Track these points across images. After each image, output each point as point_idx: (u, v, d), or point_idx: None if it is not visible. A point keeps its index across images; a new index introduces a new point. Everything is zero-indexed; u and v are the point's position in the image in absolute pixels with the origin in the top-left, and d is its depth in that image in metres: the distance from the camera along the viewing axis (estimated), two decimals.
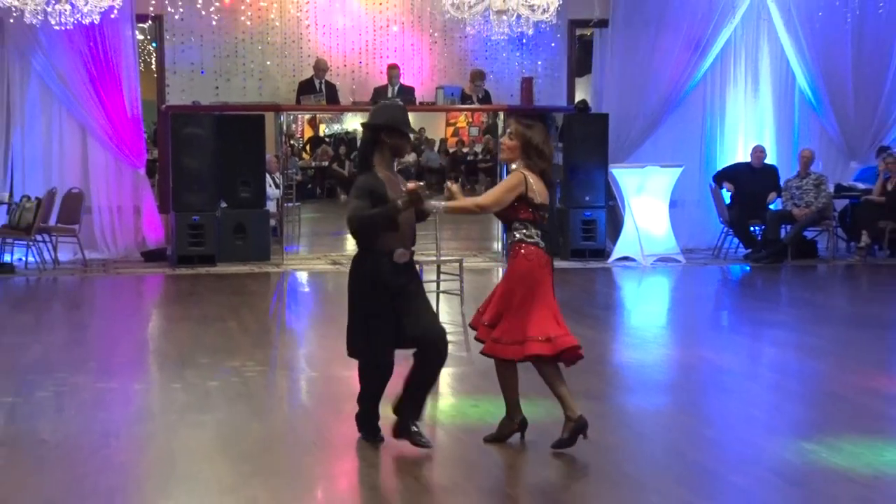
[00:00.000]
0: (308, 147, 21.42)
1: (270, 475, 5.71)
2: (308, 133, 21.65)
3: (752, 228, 14.64)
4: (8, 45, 14.05)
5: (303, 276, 13.28)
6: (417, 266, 7.06)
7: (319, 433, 6.62)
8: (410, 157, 19.05)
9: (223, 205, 13.97)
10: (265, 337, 9.91)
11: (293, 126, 17.90)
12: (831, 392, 7.65)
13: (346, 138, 20.15)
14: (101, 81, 14.13)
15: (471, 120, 20.93)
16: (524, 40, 14.78)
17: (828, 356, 8.80)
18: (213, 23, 14.59)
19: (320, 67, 14.71)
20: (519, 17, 12.66)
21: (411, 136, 6.03)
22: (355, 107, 15.51)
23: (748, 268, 14.04)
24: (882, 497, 5.36)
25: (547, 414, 6.46)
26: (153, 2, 14.24)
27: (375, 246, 5.86)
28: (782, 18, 15.40)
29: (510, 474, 5.72)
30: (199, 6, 14.37)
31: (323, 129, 20.47)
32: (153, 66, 15.76)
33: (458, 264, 10.58)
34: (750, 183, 14.61)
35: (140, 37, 15.86)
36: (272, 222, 14.44)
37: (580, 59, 16.14)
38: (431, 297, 10.44)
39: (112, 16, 12.35)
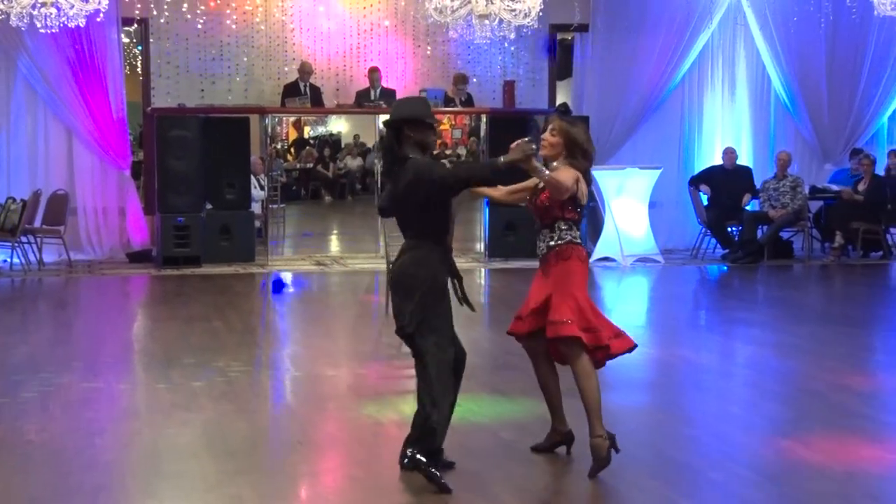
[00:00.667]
0: (292, 149, 21.36)
1: (255, 473, 5.69)
2: (293, 135, 21.58)
3: (729, 229, 14.70)
4: None
5: (287, 277, 13.24)
6: None
7: (303, 431, 6.60)
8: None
9: (208, 206, 13.93)
10: (250, 337, 9.88)
11: (278, 128, 17.85)
12: (807, 389, 7.68)
13: (330, 140, 20.10)
14: (86, 84, 14.07)
15: (454, 122, 20.91)
16: (506, 44, 14.79)
17: (803, 354, 8.83)
18: (199, 26, 14.56)
19: (305, 70, 14.69)
20: (501, 21, 12.67)
21: (435, 125, 5.70)
22: (339, 109, 15.53)
23: (726, 268, 14.08)
24: (857, 492, 5.38)
25: (526, 412, 6.47)
26: (138, 5, 14.20)
27: (437, 241, 5.66)
28: (758, 24, 15.47)
29: (492, 472, 5.71)
30: (184, 10, 14.34)
31: (307, 132, 20.41)
32: (139, 69, 15.72)
33: None
34: (725, 184, 14.68)
35: (125, 40, 15.81)
36: (257, 223, 14.40)
37: (561, 62, 16.17)
38: None
39: (98, 19, 12.29)
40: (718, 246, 14.72)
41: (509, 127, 14.58)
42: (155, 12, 14.28)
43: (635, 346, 5.78)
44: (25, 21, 11.72)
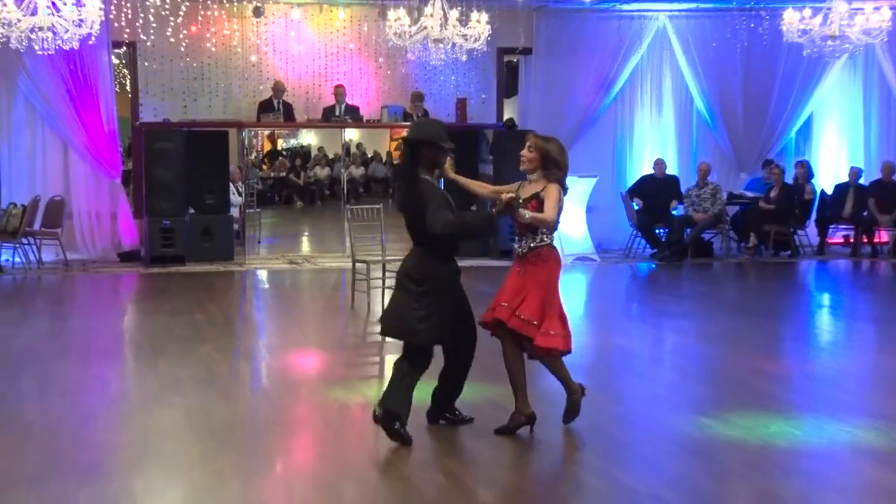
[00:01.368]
0: (267, 159, 21.22)
1: (234, 452, 5.66)
2: (267, 147, 21.44)
3: (657, 231, 14.81)
4: None
5: (263, 275, 13.18)
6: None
7: (278, 413, 6.58)
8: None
9: (191, 211, 13.84)
10: (229, 328, 9.82)
11: (254, 141, 17.70)
12: (725, 373, 7.75)
13: (301, 151, 19.98)
14: (80, 101, 13.95)
15: None
16: (458, 65, 14.81)
17: (722, 342, 8.91)
18: (182, 49, 14.47)
19: (278, 89, 14.64)
20: (454, 44, 12.68)
21: (448, 147, 5.77)
22: (309, 124, 15.49)
23: (654, 265, 14.18)
24: (768, 463, 5.44)
25: (479, 395, 6.48)
26: (127, 30, 14.07)
27: (437, 250, 5.69)
28: (682, 49, 15.62)
29: (446, 447, 5.72)
30: (168, 34, 14.25)
31: (280, 144, 20.29)
32: (128, 87, 15.55)
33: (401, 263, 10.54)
34: (655, 192, 14.79)
35: (116, 61, 15.64)
36: (235, 226, 14.33)
37: (508, 82, 16.21)
38: (377, 294, 10.48)
39: (90, 42, 12.19)
40: (648, 246, 14.82)
41: (462, 140, 14.59)
42: (142, 36, 14.18)
43: (565, 351, 5.91)
44: (24, 44, 11.58)
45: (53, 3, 11.27)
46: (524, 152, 5.89)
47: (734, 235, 15.35)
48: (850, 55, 14.60)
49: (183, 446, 5.78)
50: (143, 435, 6.04)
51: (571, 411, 5.96)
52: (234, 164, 14.54)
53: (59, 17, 11.30)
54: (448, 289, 5.76)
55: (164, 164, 13.56)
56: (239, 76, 14.88)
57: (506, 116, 15.66)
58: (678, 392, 7.23)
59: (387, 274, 10.50)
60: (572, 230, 14.12)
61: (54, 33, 11.37)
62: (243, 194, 14.82)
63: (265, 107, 14.58)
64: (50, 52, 11.77)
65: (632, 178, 15.47)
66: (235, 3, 14.16)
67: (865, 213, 14.99)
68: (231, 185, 14.27)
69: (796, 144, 16.49)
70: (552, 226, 5.78)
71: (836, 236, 15.76)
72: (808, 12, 12.93)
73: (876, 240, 15.17)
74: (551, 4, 15.01)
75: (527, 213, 5.64)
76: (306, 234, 17.42)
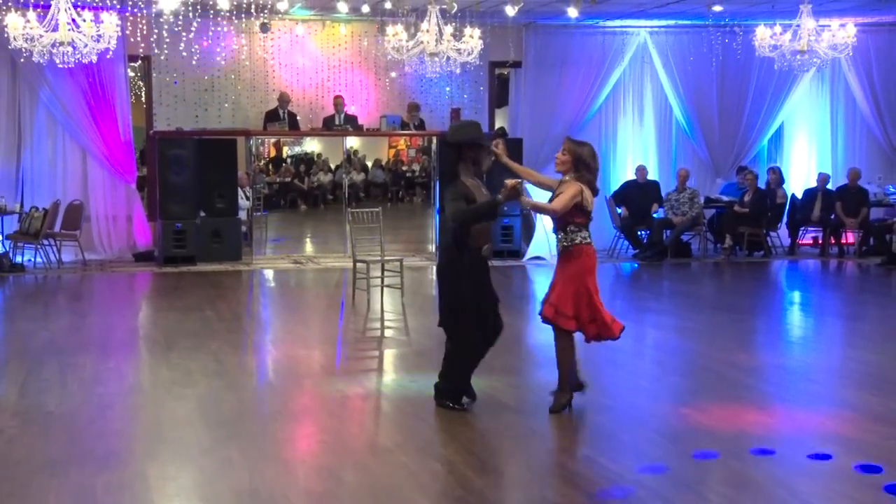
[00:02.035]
0: (272, 165, 21.21)
1: (242, 439, 5.65)
2: (273, 153, 21.44)
3: (639, 233, 14.81)
4: (19, 81, 13.84)
5: (269, 274, 13.16)
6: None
7: (283, 404, 6.57)
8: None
9: (202, 214, 13.81)
10: (237, 324, 9.81)
11: (261, 148, 17.67)
12: (702, 365, 7.76)
13: (304, 158, 19.97)
14: (98, 111, 13.93)
15: (409, 143, 20.88)
16: (452, 77, 14.80)
17: (700, 336, 8.92)
18: (193, 62, 14.43)
19: (283, 99, 14.62)
20: (448, 58, 12.67)
21: (487, 147, 5.96)
22: (312, 132, 15.47)
23: (636, 265, 14.19)
24: (740, 448, 5.45)
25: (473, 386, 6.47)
26: (142, 45, 14.03)
27: (470, 244, 5.80)
28: (661, 62, 15.63)
29: (442, 436, 5.72)
30: (181, 48, 14.22)
31: (286, 151, 20.29)
32: (143, 98, 15.52)
33: (399, 263, 10.56)
34: (637, 196, 14.80)
35: (131, 73, 15.62)
36: (243, 228, 14.31)
37: (499, 94, 16.20)
38: (375, 292, 10.48)
39: (108, 56, 12.12)
40: (630, 247, 14.83)
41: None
42: (156, 50, 14.14)
43: (620, 330, 6.14)
44: (46, 58, 11.55)
45: (73, 20, 11.24)
46: (558, 155, 6.11)
47: (711, 237, 15.35)
48: (818, 69, 14.61)
49: (194, 434, 5.77)
50: (156, 424, 6.03)
51: (556, 406, 6.06)
52: (242, 170, 14.52)
53: (79, 32, 11.27)
54: (462, 278, 5.82)
55: (177, 170, 13.54)
56: (247, 87, 14.85)
57: (497, 125, 15.65)
58: (659, 383, 7.23)
59: (385, 273, 10.50)
60: None
61: (74, 48, 11.34)
62: (251, 198, 14.80)
63: (271, 116, 14.55)
64: (70, 66, 11.73)
65: (615, 184, 15.47)
66: (244, 20, 14.13)
67: (833, 216, 15.01)
68: (239, 189, 14.24)
69: (768, 152, 16.50)
70: (553, 215, 6.00)
71: (806, 238, 15.78)
72: (778, 28, 12.94)
73: (843, 241, 15.19)
74: (539, 21, 15.01)
75: (528, 200, 5.93)
76: (310, 235, 17.40)
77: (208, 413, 6.21)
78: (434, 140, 14.86)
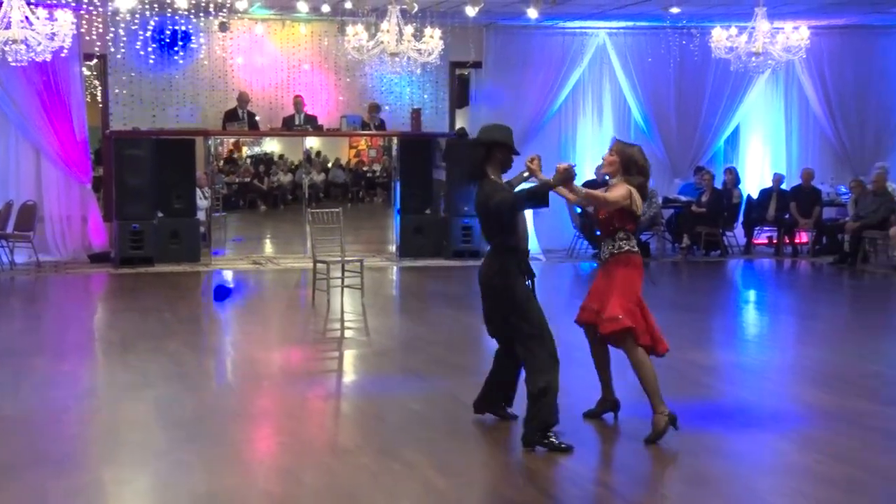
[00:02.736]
0: (228, 165, 21.03)
1: (200, 441, 5.60)
2: (230, 152, 21.29)
3: (597, 233, 14.84)
4: None
5: (228, 275, 13.05)
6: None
7: (242, 405, 6.52)
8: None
9: (159, 214, 13.67)
10: (196, 325, 9.72)
11: (219, 148, 17.52)
12: (661, 363, 7.75)
13: (263, 158, 19.84)
14: (52, 110, 13.73)
15: (370, 143, 20.83)
16: (413, 77, 14.79)
17: None
18: (150, 61, 14.28)
19: (243, 99, 14.52)
20: (409, 58, 12.65)
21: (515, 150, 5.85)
22: (271, 132, 15.38)
23: (595, 265, 14.25)
24: (700, 445, 5.50)
25: (433, 387, 6.46)
26: (98, 43, 13.83)
27: (512, 245, 5.67)
28: (620, 63, 15.73)
29: (401, 436, 5.70)
30: (137, 47, 14.07)
31: (245, 151, 20.15)
32: (98, 98, 15.32)
33: (359, 263, 10.53)
34: None
35: (87, 72, 15.40)
36: (202, 229, 14.17)
37: (459, 94, 16.21)
38: (336, 292, 10.43)
39: (62, 55, 11.94)
40: (589, 247, 14.90)
41: (416, 147, 14.62)
42: (112, 49, 13.97)
43: (665, 352, 5.87)
44: None
45: (27, 17, 11.06)
46: (606, 155, 5.89)
47: (669, 237, 15.49)
48: (772, 70, 14.80)
49: (151, 436, 5.71)
50: (113, 427, 5.96)
51: (652, 436, 5.52)
52: (200, 170, 14.39)
53: (32, 30, 11.09)
54: (499, 287, 5.69)
55: (134, 170, 13.38)
56: (206, 87, 14.72)
57: (457, 126, 15.67)
58: (617, 382, 7.22)
59: (345, 273, 10.46)
60: None
61: (27, 46, 11.16)
62: (209, 198, 14.67)
63: (230, 116, 14.45)
64: (23, 64, 11.55)
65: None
66: (202, 18, 14.00)
67: (787, 216, 15.22)
68: (198, 189, 14.11)
69: (725, 152, 16.67)
70: (604, 205, 5.66)
71: (761, 237, 15.97)
72: (734, 31, 13.08)
73: (797, 240, 15.40)
74: (500, 21, 15.04)
75: (581, 188, 5.70)
76: (269, 236, 17.28)
77: (166, 415, 6.14)
78: (395, 140, 14.83)
